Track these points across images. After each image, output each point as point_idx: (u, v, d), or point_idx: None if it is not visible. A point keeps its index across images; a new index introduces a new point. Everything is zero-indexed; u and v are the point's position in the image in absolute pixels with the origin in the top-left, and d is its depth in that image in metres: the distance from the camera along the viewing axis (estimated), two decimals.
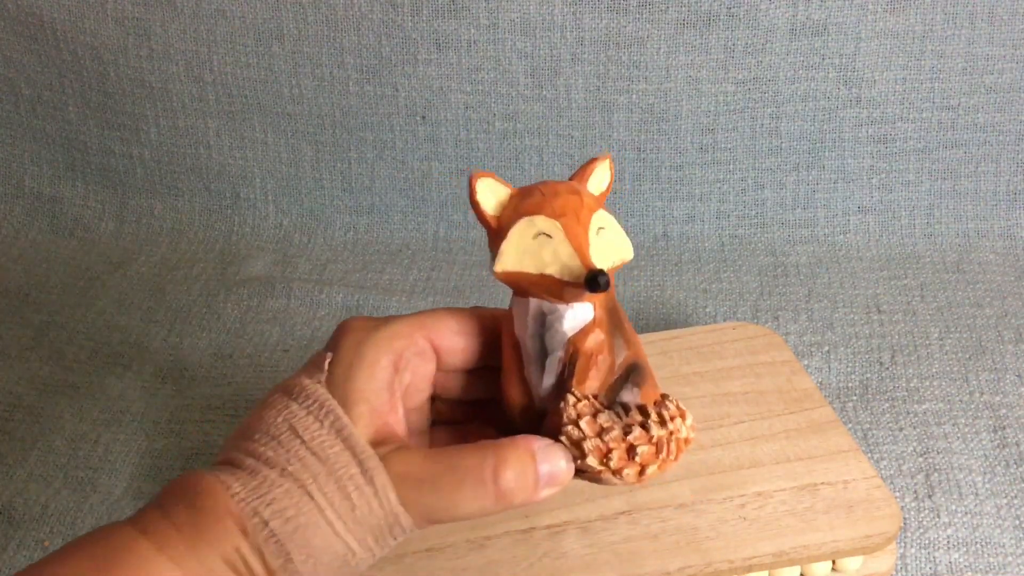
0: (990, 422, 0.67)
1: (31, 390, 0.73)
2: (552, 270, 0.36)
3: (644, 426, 0.37)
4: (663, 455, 0.37)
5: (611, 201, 0.90)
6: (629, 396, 0.38)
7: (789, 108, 0.87)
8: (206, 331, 0.79)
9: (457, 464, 0.35)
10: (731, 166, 0.89)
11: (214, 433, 0.68)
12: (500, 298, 0.81)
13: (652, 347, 0.63)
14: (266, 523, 0.34)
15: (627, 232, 0.39)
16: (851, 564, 0.52)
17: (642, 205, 0.90)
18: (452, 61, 0.86)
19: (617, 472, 0.36)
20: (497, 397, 0.40)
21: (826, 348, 0.75)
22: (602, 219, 0.37)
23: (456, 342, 0.40)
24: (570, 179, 0.40)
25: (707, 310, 0.80)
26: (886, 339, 0.75)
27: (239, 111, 0.90)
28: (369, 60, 0.87)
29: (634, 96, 0.87)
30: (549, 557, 0.49)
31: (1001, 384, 0.70)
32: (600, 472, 0.36)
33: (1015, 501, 0.61)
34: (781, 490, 0.52)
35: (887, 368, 0.72)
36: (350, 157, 0.91)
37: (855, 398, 0.69)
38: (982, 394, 0.69)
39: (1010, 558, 0.57)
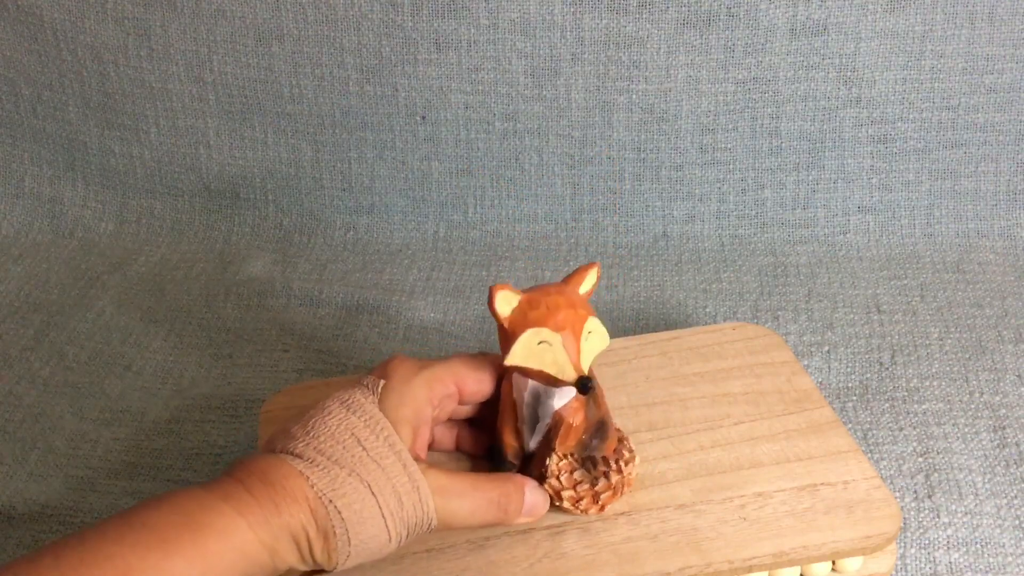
0: (990, 422, 0.67)
1: (31, 390, 0.73)
2: (551, 370, 0.47)
3: (607, 475, 0.50)
4: (617, 495, 0.51)
5: (611, 201, 0.90)
6: (596, 450, 0.51)
7: (789, 108, 0.87)
8: (206, 331, 0.79)
9: (478, 487, 0.47)
10: (731, 166, 0.89)
11: (214, 433, 0.68)
12: None
13: (652, 347, 0.63)
14: (339, 512, 0.42)
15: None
16: (851, 564, 0.52)
17: (642, 205, 0.90)
18: (452, 61, 0.86)
19: (585, 511, 0.51)
20: (495, 435, 0.52)
21: (826, 348, 0.75)
22: (590, 324, 0.48)
23: (477, 388, 0.51)
24: (564, 280, 0.50)
25: (707, 310, 0.80)
26: (886, 339, 0.75)
27: (239, 111, 0.90)
28: (369, 60, 0.87)
29: (634, 96, 0.87)
30: (549, 557, 0.49)
31: (1001, 384, 0.70)
32: (572, 511, 0.51)
33: (1015, 501, 0.61)
34: (781, 490, 0.52)
35: (887, 368, 0.72)
36: (350, 157, 0.91)
37: (855, 398, 0.69)
38: (982, 394, 0.69)
39: (1010, 558, 0.57)
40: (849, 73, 0.85)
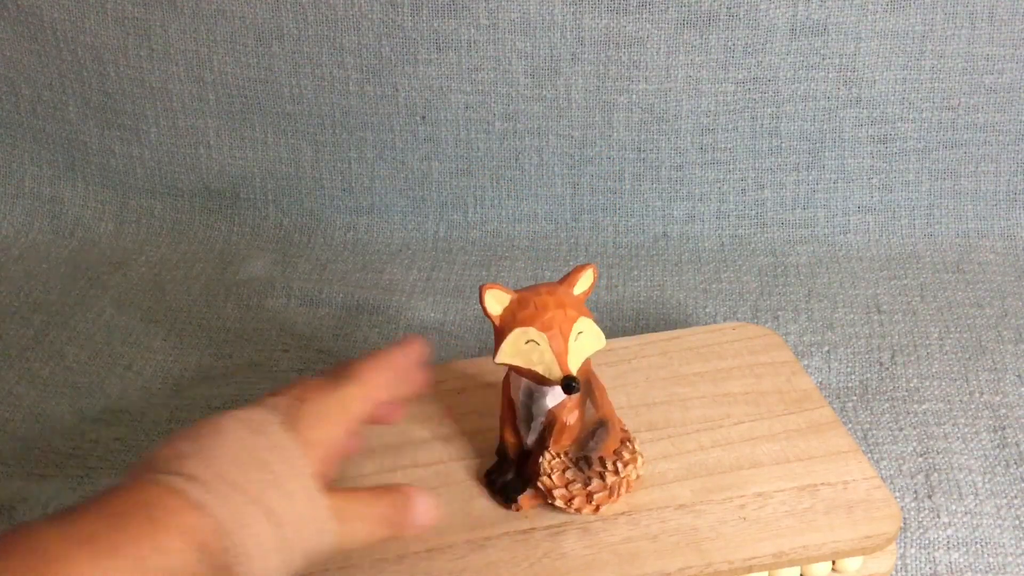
0: (990, 422, 0.67)
1: (31, 390, 0.73)
2: (539, 369, 0.47)
3: (602, 475, 0.51)
4: (614, 496, 0.51)
5: (611, 201, 0.90)
6: (594, 450, 0.51)
7: (789, 108, 0.87)
8: (206, 331, 0.79)
9: (371, 506, 0.43)
10: (731, 166, 0.89)
11: None
12: None
13: (652, 347, 0.63)
14: (237, 546, 0.37)
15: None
16: (851, 564, 0.52)
17: (642, 205, 0.90)
18: (452, 61, 0.87)
19: (578, 510, 0.50)
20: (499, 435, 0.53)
21: (826, 348, 0.75)
22: (582, 325, 0.48)
23: (388, 393, 0.47)
24: (560, 281, 0.50)
25: (707, 310, 0.80)
26: (886, 339, 0.75)
27: (239, 111, 0.90)
28: (369, 60, 0.87)
29: (634, 96, 0.87)
30: (549, 557, 0.49)
31: (1001, 384, 0.70)
32: (565, 510, 0.50)
33: (1015, 501, 0.61)
34: (781, 491, 0.52)
35: (887, 368, 0.72)
36: (350, 157, 0.91)
37: (855, 398, 0.69)
38: (982, 394, 0.69)
39: (1010, 558, 0.57)
40: (849, 73, 0.85)
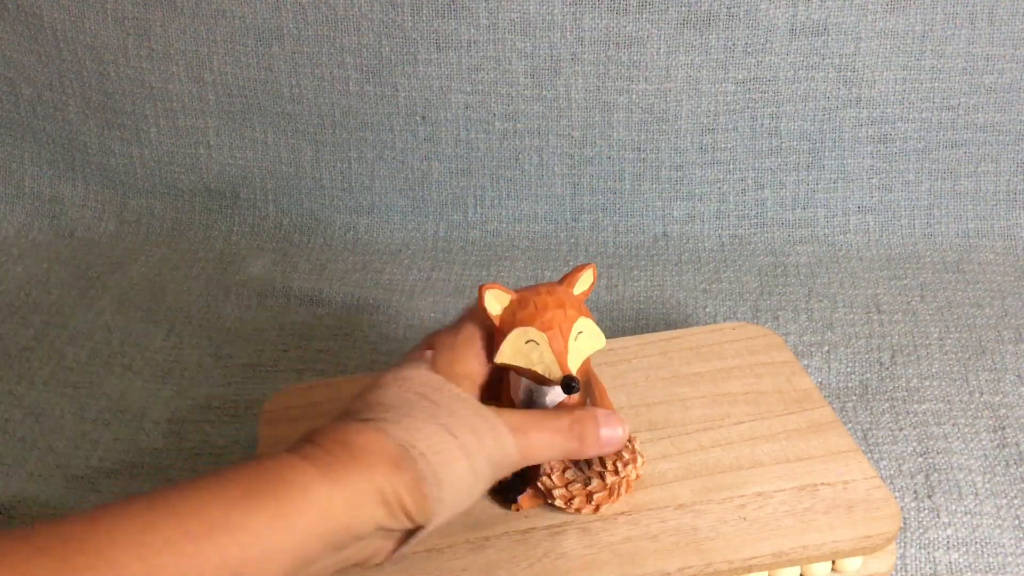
0: (990, 422, 0.67)
1: (31, 390, 0.73)
2: (539, 368, 0.47)
3: (601, 475, 0.51)
4: (614, 496, 0.51)
5: (611, 201, 0.90)
6: None
7: (789, 108, 0.87)
8: (206, 331, 0.79)
9: (549, 419, 0.46)
10: (731, 166, 0.89)
11: (214, 433, 0.68)
12: None
13: (652, 347, 0.63)
14: (423, 454, 0.41)
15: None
16: (851, 565, 0.52)
17: (642, 205, 0.90)
18: (452, 61, 0.87)
19: (578, 510, 0.51)
20: None
21: (826, 348, 0.75)
22: (581, 324, 0.48)
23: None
24: (560, 281, 0.50)
25: (707, 310, 0.80)
26: (886, 339, 0.75)
27: (239, 111, 0.90)
28: (369, 60, 0.87)
29: (634, 96, 0.87)
30: (549, 557, 0.49)
31: (1001, 384, 0.70)
32: (565, 510, 0.51)
33: (1015, 501, 0.61)
34: (781, 490, 0.52)
35: (887, 368, 0.72)
36: (350, 157, 0.91)
37: (855, 398, 0.69)
38: (982, 394, 0.69)
39: (1010, 558, 0.57)
40: (849, 73, 0.85)
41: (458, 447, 0.42)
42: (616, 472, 0.51)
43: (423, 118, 0.89)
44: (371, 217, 0.92)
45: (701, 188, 0.89)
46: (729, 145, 0.88)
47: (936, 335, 0.76)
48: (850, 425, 0.67)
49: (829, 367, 0.73)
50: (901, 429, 0.66)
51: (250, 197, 0.93)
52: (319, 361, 0.75)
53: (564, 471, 0.51)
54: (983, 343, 0.75)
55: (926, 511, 0.60)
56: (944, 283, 0.82)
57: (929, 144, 0.87)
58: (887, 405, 0.69)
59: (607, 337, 0.51)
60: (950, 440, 0.65)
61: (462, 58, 0.86)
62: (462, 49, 0.86)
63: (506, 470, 0.45)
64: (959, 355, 0.73)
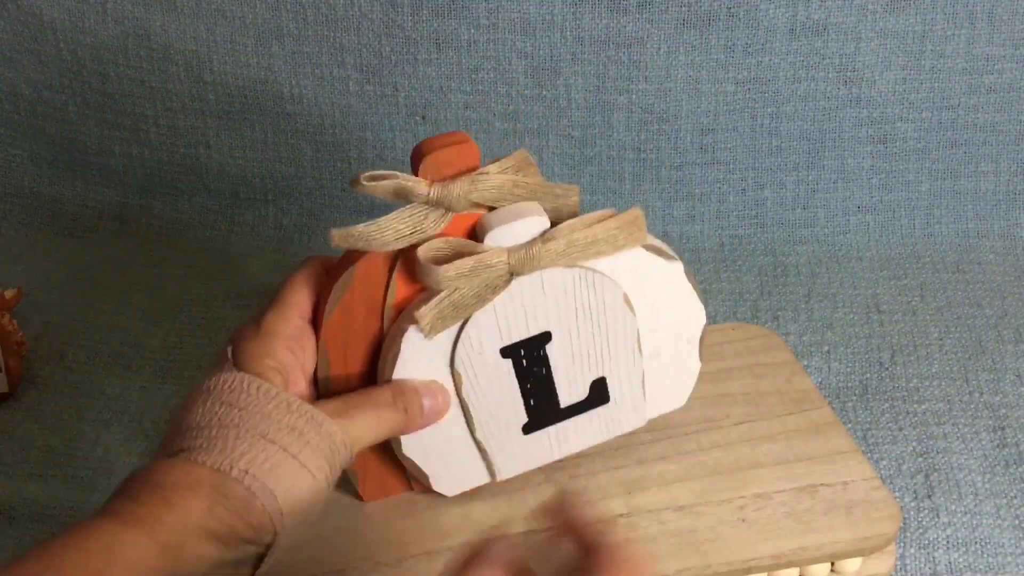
0: (990, 422, 0.67)
1: (31, 390, 0.73)
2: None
3: None
4: None
5: (611, 201, 0.90)
6: None
7: (789, 108, 0.86)
8: (206, 331, 0.79)
9: (370, 394, 0.45)
10: (731, 166, 0.89)
11: None
12: None
13: None
14: (245, 471, 0.39)
15: None
16: (850, 565, 0.52)
17: (642, 205, 0.90)
18: (452, 61, 0.86)
19: None
20: None
21: (826, 348, 0.75)
22: None
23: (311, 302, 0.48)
24: None
25: (707, 310, 0.80)
26: (886, 339, 0.75)
27: (239, 111, 0.90)
28: (369, 60, 0.87)
29: (634, 96, 0.87)
30: None
31: (1001, 384, 0.70)
32: None
33: (1015, 501, 0.61)
34: (780, 491, 0.52)
35: (887, 368, 0.72)
36: (350, 157, 0.91)
37: (855, 398, 0.69)
38: (982, 394, 0.69)
39: (1010, 558, 0.57)
40: (849, 73, 0.85)
41: (281, 451, 0.40)
42: None
43: (423, 118, 0.89)
44: (371, 217, 0.92)
45: (701, 188, 0.89)
46: (729, 145, 0.88)
47: (936, 335, 0.76)
48: (850, 425, 0.67)
49: (829, 367, 0.73)
50: (901, 429, 0.66)
51: (250, 197, 0.93)
52: None
53: None
54: (983, 343, 0.75)
55: (926, 511, 0.60)
56: (944, 283, 0.82)
57: (929, 144, 0.87)
58: (887, 405, 0.69)
59: None
60: (950, 440, 0.65)
61: (462, 58, 0.86)
62: (462, 49, 0.86)
63: (344, 459, 0.43)
64: (959, 355, 0.73)
